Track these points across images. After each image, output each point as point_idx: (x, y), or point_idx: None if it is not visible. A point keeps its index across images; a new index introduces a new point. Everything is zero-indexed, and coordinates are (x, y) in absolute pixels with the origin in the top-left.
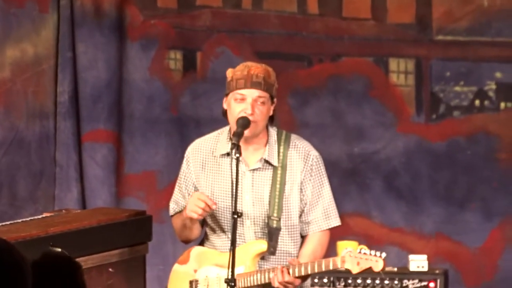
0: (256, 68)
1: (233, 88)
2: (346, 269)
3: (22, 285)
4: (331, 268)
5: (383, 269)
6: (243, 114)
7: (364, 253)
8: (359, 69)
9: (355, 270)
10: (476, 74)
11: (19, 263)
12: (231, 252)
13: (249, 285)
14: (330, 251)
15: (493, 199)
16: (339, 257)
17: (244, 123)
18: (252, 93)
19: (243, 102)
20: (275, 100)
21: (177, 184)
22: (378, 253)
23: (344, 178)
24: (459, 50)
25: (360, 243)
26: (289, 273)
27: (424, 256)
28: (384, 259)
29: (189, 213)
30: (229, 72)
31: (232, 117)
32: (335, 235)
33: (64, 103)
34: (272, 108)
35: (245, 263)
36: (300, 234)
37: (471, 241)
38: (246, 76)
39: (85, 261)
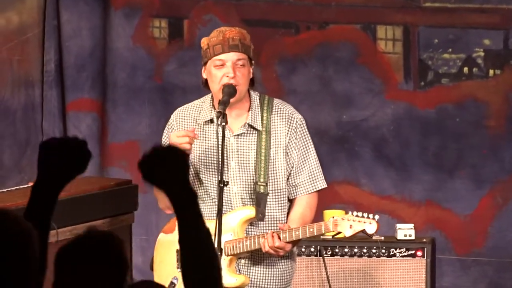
0: (230, 32)
1: (211, 55)
2: (338, 232)
3: (30, 254)
4: (323, 232)
5: (376, 231)
6: (226, 80)
7: (357, 215)
8: (346, 36)
9: (348, 233)
10: (464, 41)
11: (26, 233)
12: (217, 221)
13: (238, 251)
14: (317, 220)
15: (483, 166)
16: (331, 220)
17: (230, 91)
18: (231, 57)
19: (224, 67)
20: (253, 62)
21: None
22: (371, 215)
23: (333, 145)
24: (447, 17)
25: (349, 212)
26: (279, 238)
27: (411, 225)
28: (378, 221)
29: None
30: (204, 40)
31: (215, 84)
32: (325, 203)
33: (50, 71)
34: (251, 70)
35: (234, 230)
36: (288, 198)
37: (461, 208)
38: (222, 41)
39: (71, 231)
